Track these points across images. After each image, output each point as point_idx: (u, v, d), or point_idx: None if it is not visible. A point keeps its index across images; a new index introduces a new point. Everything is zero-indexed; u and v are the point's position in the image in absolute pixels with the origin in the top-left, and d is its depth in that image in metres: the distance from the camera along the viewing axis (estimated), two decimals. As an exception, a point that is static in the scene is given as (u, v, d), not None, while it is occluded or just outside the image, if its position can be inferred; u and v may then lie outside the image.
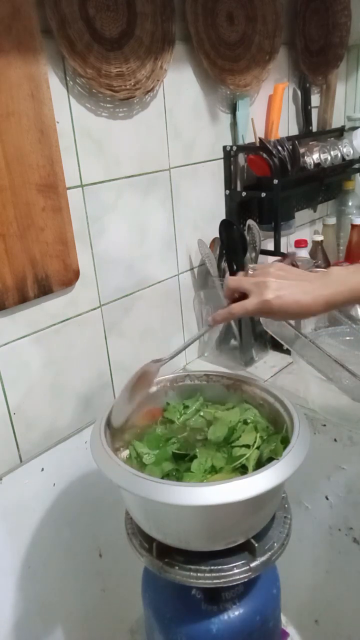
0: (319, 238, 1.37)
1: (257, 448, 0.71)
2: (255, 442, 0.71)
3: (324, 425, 0.95)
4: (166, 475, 0.70)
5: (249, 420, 0.76)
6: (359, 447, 0.92)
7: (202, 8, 1.00)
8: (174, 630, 0.77)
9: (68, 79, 0.84)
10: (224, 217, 1.18)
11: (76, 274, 0.91)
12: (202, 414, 0.82)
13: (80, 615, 1.08)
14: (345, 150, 1.30)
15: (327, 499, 1.00)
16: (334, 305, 0.66)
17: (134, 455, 0.75)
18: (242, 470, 0.69)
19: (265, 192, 1.11)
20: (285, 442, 0.68)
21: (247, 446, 0.71)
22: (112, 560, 1.10)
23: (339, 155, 1.28)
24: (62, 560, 1.02)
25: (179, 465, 0.72)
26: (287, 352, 1.17)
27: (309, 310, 0.65)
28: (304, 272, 0.70)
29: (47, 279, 0.86)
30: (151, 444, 0.76)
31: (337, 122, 1.44)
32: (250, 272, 0.72)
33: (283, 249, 1.18)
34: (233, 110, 1.15)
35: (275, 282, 0.66)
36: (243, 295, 0.70)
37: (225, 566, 0.68)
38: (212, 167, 1.14)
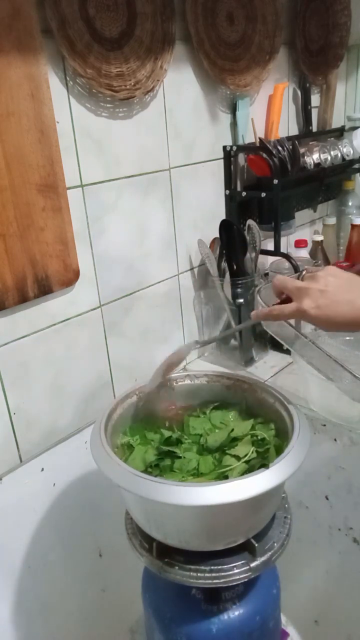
0: (319, 238, 1.37)
1: (247, 462, 0.70)
2: (247, 455, 0.70)
3: (324, 425, 0.95)
4: (149, 467, 0.72)
5: (257, 436, 0.75)
6: (359, 447, 0.92)
7: (202, 8, 1.00)
8: (174, 630, 0.77)
9: (68, 79, 0.84)
10: (224, 217, 1.18)
11: (76, 274, 0.91)
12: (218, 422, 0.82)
13: (80, 615, 1.08)
14: (345, 150, 1.30)
15: (327, 499, 1.00)
16: None
17: (124, 441, 0.76)
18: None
19: (265, 192, 1.11)
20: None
21: (238, 457, 0.71)
22: (112, 560, 1.10)
23: (339, 155, 1.28)
24: (62, 560, 1.02)
25: (165, 462, 0.73)
26: (287, 352, 1.17)
27: (354, 323, 0.61)
28: (358, 277, 0.66)
29: (47, 279, 0.86)
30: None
31: (337, 122, 1.44)
32: (303, 273, 0.69)
33: (283, 249, 1.18)
34: (233, 110, 1.15)
35: (318, 291, 0.62)
36: (289, 298, 0.67)
37: (225, 566, 0.69)
38: (212, 167, 1.14)
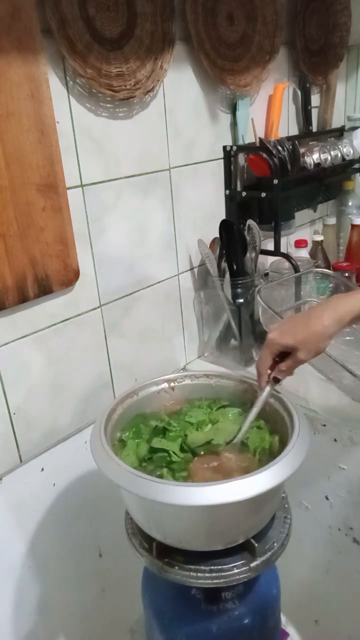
0: (319, 238, 1.37)
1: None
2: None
3: (324, 425, 0.95)
4: (142, 461, 0.74)
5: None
6: (359, 447, 0.92)
7: (202, 8, 0.99)
8: (174, 630, 0.77)
9: (68, 79, 0.84)
10: (224, 217, 1.18)
11: (76, 274, 0.91)
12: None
13: (80, 615, 1.08)
14: (345, 150, 1.30)
15: (327, 499, 1.00)
16: (341, 320, 0.71)
17: (117, 436, 0.77)
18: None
19: (265, 192, 1.11)
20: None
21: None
22: (112, 560, 1.10)
23: (339, 155, 1.28)
24: (62, 560, 1.02)
25: (158, 454, 0.74)
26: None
27: (312, 336, 0.71)
28: (307, 310, 0.79)
29: (47, 279, 0.86)
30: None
31: (337, 122, 1.44)
32: None
33: (283, 249, 1.18)
34: (233, 110, 1.15)
35: (277, 324, 0.77)
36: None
37: (225, 566, 0.69)
38: (212, 167, 1.14)
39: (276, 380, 0.75)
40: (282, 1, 1.14)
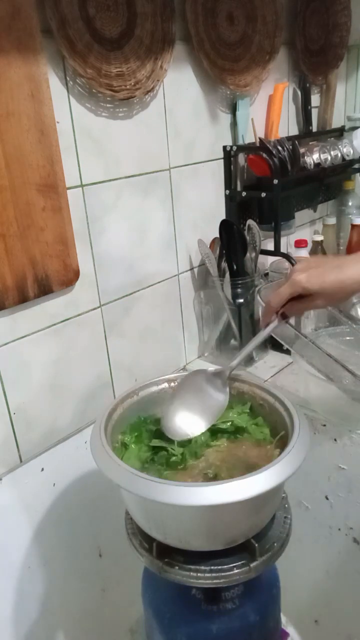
0: (319, 238, 1.37)
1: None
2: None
3: (324, 425, 0.95)
4: (145, 463, 0.74)
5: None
6: (359, 447, 0.92)
7: (202, 8, 0.99)
8: (174, 630, 0.77)
9: (68, 79, 0.84)
10: (224, 217, 1.18)
11: (76, 274, 0.91)
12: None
13: (80, 615, 1.08)
14: (345, 150, 1.30)
15: (327, 499, 1.00)
16: None
17: (120, 439, 0.77)
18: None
19: (265, 192, 1.11)
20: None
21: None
22: (112, 560, 1.10)
23: (339, 155, 1.28)
24: (62, 560, 1.02)
25: (161, 453, 0.74)
26: (287, 352, 1.17)
27: (343, 285, 0.67)
28: (336, 255, 0.73)
29: (47, 279, 0.86)
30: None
31: (337, 122, 1.44)
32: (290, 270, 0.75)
33: (283, 249, 1.18)
34: (233, 110, 1.15)
35: (305, 265, 0.70)
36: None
37: (225, 566, 0.68)
38: (212, 167, 1.14)
39: (284, 317, 0.73)
40: (282, 1, 1.14)
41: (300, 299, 0.71)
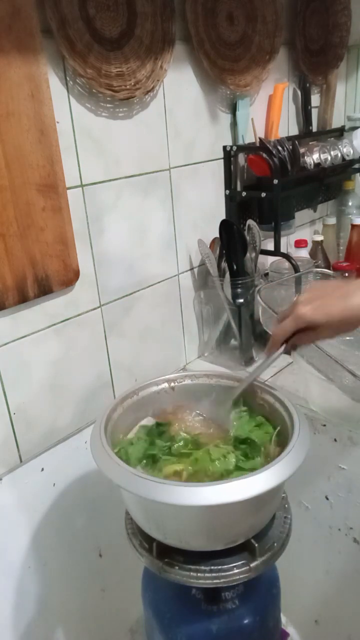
0: (319, 238, 1.37)
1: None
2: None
3: (324, 425, 0.95)
4: (145, 458, 0.73)
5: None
6: (359, 447, 0.92)
7: (202, 8, 0.99)
8: (174, 630, 0.77)
9: (68, 79, 0.84)
10: (224, 217, 1.18)
11: (76, 274, 0.91)
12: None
13: (80, 615, 1.08)
14: (345, 150, 1.30)
15: (327, 499, 1.00)
16: None
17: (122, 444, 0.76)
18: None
19: (265, 192, 1.11)
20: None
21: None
22: (112, 560, 1.10)
23: (339, 155, 1.28)
24: (62, 560, 1.02)
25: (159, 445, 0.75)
26: (287, 352, 1.17)
27: (350, 315, 0.64)
28: (335, 281, 0.71)
29: (47, 279, 0.86)
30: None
31: (337, 122, 1.44)
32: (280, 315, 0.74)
33: (283, 249, 1.18)
34: (233, 110, 1.15)
35: (308, 297, 0.68)
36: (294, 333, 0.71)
37: (225, 566, 0.68)
38: (212, 167, 1.14)
39: (293, 348, 0.72)
40: (282, 1, 1.14)
41: (307, 331, 0.69)
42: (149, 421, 0.82)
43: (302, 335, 0.70)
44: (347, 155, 1.31)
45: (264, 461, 0.71)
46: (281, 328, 0.70)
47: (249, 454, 0.72)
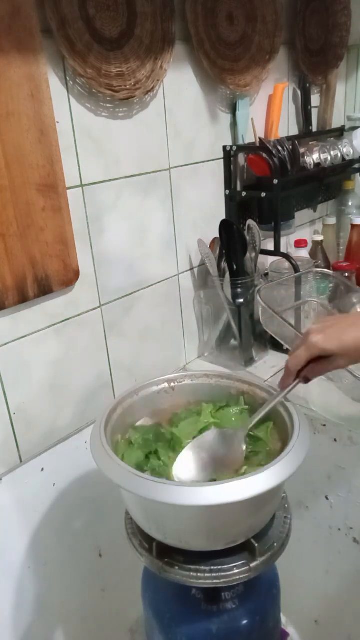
0: (319, 238, 1.37)
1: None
2: None
3: (324, 425, 0.95)
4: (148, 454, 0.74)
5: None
6: (359, 447, 0.92)
7: (202, 8, 0.99)
8: (174, 630, 0.77)
9: (68, 79, 0.84)
10: (224, 217, 1.18)
11: (76, 274, 0.91)
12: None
13: (80, 615, 1.08)
14: (345, 150, 1.30)
15: (327, 499, 1.00)
16: None
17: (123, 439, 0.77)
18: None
19: (265, 192, 1.11)
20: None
21: None
22: (112, 560, 1.10)
23: (339, 155, 1.28)
24: (62, 560, 1.02)
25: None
26: (287, 352, 1.17)
27: None
28: (351, 314, 0.71)
29: (47, 279, 0.86)
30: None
31: (337, 122, 1.44)
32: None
33: (283, 249, 1.18)
34: (233, 110, 1.15)
35: (321, 325, 0.68)
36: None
37: (225, 566, 0.68)
38: (212, 167, 1.14)
39: (306, 380, 0.72)
40: (282, 1, 1.14)
41: (320, 361, 0.69)
42: (145, 422, 0.82)
43: (315, 366, 0.69)
44: (347, 155, 1.31)
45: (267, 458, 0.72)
46: (295, 357, 0.70)
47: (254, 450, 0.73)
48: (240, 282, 1.12)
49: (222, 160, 1.16)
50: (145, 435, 0.78)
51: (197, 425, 0.79)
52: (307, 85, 1.30)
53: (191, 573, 0.68)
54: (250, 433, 0.75)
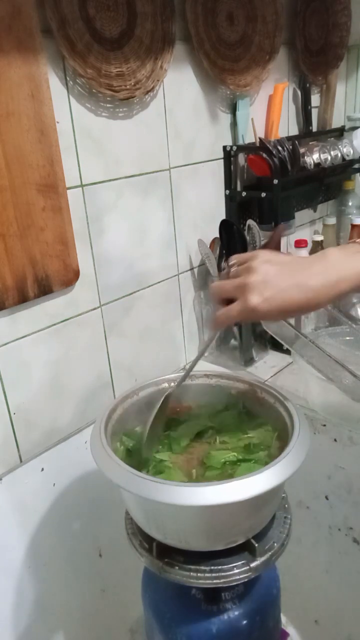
0: (319, 238, 1.37)
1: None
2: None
3: (324, 425, 0.95)
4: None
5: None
6: (359, 447, 0.92)
7: (202, 8, 1.00)
8: (174, 630, 0.77)
9: (68, 79, 0.84)
10: (224, 217, 1.18)
11: (76, 274, 0.91)
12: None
13: (80, 615, 1.08)
14: (345, 150, 1.30)
15: (327, 499, 1.00)
16: (339, 294, 0.56)
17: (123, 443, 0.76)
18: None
19: (265, 192, 1.11)
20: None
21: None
22: (112, 560, 1.10)
23: (339, 155, 1.28)
24: (62, 560, 1.02)
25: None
26: (287, 352, 1.17)
27: (308, 306, 0.57)
28: (296, 258, 0.61)
29: (47, 279, 0.86)
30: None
31: (337, 122, 1.44)
32: (233, 269, 0.62)
33: (283, 249, 1.18)
34: (233, 110, 1.15)
35: (259, 282, 0.57)
36: (232, 299, 0.61)
37: (225, 566, 0.68)
38: (212, 167, 1.14)
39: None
40: (282, 1, 1.14)
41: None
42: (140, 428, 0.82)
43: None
44: (347, 155, 1.31)
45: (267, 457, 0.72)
46: (226, 315, 0.61)
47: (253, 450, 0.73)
48: (240, 282, 1.12)
49: (222, 160, 1.16)
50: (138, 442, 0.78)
51: (195, 428, 0.80)
52: (307, 85, 1.30)
53: (191, 573, 0.68)
54: (251, 434, 0.75)
